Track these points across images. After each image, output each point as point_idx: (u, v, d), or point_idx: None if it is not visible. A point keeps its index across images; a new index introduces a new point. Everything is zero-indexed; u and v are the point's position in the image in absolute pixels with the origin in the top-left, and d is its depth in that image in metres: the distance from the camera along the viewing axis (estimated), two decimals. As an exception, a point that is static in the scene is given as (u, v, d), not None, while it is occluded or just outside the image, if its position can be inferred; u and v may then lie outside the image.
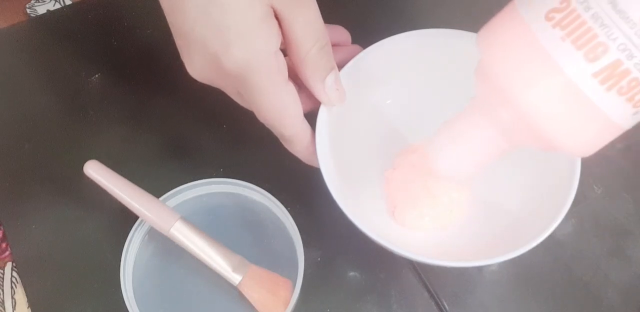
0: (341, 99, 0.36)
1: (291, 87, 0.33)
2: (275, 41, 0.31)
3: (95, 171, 0.39)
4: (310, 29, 0.32)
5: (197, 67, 0.32)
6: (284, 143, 0.37)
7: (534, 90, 0.26)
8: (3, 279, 0.43)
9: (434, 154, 0.33)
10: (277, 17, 0.31)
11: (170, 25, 0.32)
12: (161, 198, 0.41)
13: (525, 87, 0.26)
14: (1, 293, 0.43)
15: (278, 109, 0.33)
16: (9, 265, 0.44)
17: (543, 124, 0.26)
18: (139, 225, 0.41)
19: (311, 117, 0.36)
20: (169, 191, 0.42)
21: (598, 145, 0.28)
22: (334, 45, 0.34)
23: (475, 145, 0.31)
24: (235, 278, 0.39)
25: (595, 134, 0.27)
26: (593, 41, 0.24)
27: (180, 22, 0.31)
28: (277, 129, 0.34)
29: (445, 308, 0.41)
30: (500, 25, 0.28)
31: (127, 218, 0.41)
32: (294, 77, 0.34)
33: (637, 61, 0.24)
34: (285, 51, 0.33)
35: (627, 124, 0.26)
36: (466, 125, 0.31)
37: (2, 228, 0.44)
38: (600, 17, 0.24)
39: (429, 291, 0.41)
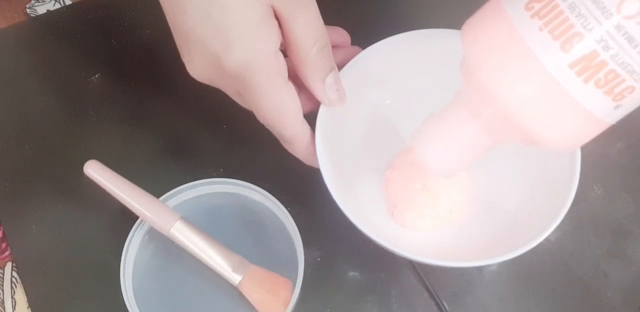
0: (341, 100, 0.36)
1: (291, 88, 0.33)
2: (275, 41, 0.31)
3: (95, 171, 0.39)
4: (311, 30, 0.32)
5: (197, 67, 0.32)
6: (283, 144, 0.37)
7: (511, 82, 0.25)
8: (3, 279, 0.43)
9: (420, 148, 0.33)
10: (277, 17, 0.31)
11: (171, 26, 0.32)
12: (161, 198, 0.41)
13: (502, 80, 0.26)
14: (1, 293, 0.43)
15: (278, 109, 0.33)
16: (9, 265, 0.44)
17: (523, 119, 0.26)
18: (139, 225, 0.41)
19: (311, 117, 0.36)
20: (169, 191, 0.42)
21: (581, 140, 0.27)
22: (333, 46, 0.34)
23: (461, 140, 0.31)
24: (235, 278, 0.39)
25: (576, 128, 0.26)
26: (569, 31, 0.24)
27: (181, 22, 0.31)
28: (277, 129, 0.34)
29: (445, 308, 0.41)
30: (481, 17, 0.27)
31: (127, 218, 0.41)
32: (294, 77, 0.34)
33: (613, 53, 0.23)
34: (285, 52, 0.33)
35: (609, 118, 0.26)
36: (452, 120, 0.31)
37: (2, 228, 0.44)
38: (577, 6, 0.24)
39: (429, 291, 0.41)
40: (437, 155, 0.32)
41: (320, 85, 0.34)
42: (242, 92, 0.33)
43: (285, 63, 0.32)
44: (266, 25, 0.30)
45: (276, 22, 0.31)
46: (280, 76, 0.32)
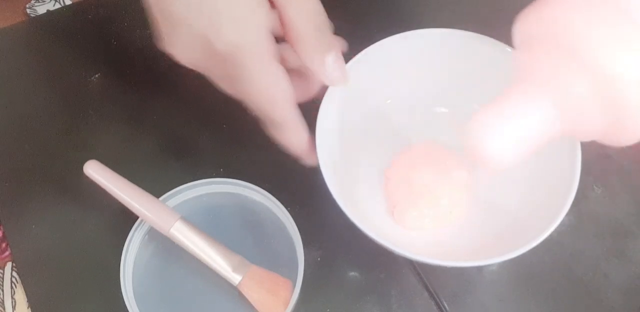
0: (343, 78, 0.35)
1: (282, 69, 0.32)
2: (267, 22, 0.30)
3: (95, 171, 0.39)
4: (306, 9, 0.31)
5: (183, 50, 0.32)
6: (274, 132, 0.35)
7: (623, 55, 0.24)
8: (3, 279, 0.43)
9: (481, 134, 0.30)
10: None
11: (153, 8, 0.31)
12: (161, 198, 0.41)
13: (612, 53, 0.24)
14: (1, 293, 0.43)
15: (268, 90, 0.32)
16: (9, 265, 0.44)
17: (628, 92, 0.24)
18: (139, 225, 0.41)
19: (311, 117, 0.36)
20: (169, 191, 0.42)
21: None
22: None
23: (531, 124, 0.29)
24: (235, 278, 0.39)
25: None
26: None
27: (167, 3, 0.30)
28: (267, 112, 0.34)
29: (445, 308, 0.41)
30: None
31: (127, 218, 0.41)
32: (290, 70, 0.33)
33: None
34: (280, 38, 0.32)
35: None
36: (522, 103, 0.29)
37: (2, 228, 0.44)
38: None
39: (429, 291, 0.41)
40: (503, 141, 0.30)
41: (321, 65, 0.33)
42: (233, 73, 0.32)
43: (276, 44, 0.31)
44: (257, 6, 0.30)
45: (268, 3, 0.30)
46: (271, 55, 0.31)
